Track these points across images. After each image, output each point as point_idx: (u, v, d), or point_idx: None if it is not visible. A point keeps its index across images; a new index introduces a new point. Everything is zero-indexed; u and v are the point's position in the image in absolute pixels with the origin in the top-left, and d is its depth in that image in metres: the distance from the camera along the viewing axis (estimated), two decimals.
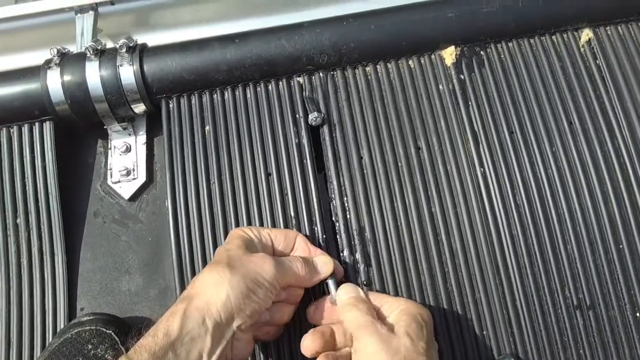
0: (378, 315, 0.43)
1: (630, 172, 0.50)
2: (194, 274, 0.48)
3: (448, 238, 0.49)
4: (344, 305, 0.43)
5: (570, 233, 0.48)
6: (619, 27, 0.55)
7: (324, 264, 0.45)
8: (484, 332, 0.47)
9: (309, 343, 0.42)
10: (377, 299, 0.44)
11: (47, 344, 0.48)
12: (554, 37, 0.55)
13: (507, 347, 0.46)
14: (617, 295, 0.47)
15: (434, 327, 0.46)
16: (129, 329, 0.48)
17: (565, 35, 0.55)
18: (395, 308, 0.43)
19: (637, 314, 0.47)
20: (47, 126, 0.54)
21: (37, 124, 0.54)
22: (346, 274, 0.48)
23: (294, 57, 0.53)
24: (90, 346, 0.45)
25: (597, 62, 0.54)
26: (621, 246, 0.48)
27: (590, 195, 0.49)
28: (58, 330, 0.49)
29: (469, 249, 0.48)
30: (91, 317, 0.47)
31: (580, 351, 0.46)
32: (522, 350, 0.46)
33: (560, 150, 0.51)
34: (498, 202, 0.49)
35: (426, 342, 0.40)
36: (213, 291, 0.39)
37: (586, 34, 0.55)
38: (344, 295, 0.44)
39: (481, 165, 0.51)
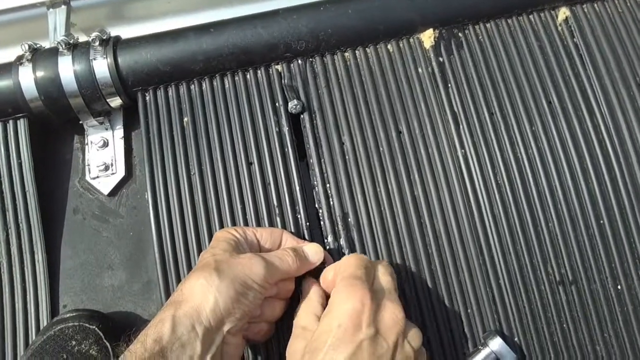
0: None
1: (610, 148, 0.50)
2: (177, 267, 0.48)
3: (431, 220, 0.49)
4: (351, 254, 0.44)
5: (552, 210, 0.49)
6: (596, 5, 0.55)
7: (315, 253, 0.45)
8: (469, 311, 0.47)
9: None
10: None
11: (30, 342, 0.47)
12: (531, 16, 0.55)
13: (492, 325, 0.47)
14: (599, 269, 0.47)
15: (420, 309, 0.47)
16: (113, 324, 0.47)
17: (542, 15, 0.55)
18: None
19: (619, 287, 0.47)
20: (22, 123, 0.53)
21: (11, 121, 0.53)
22: None
23: (271, 45, 0.53)
24: (74, 342, 0.44)
25: (575, 40, 0.54)
26: (602, 221, 0.48)
27: (570, 173, 0.49)
28: (41, 328, 0.48)
29: (452, 230, 0.48)
30: (74, 314, 0.46)
31: (564, 325, 0.47)
32: (506, 327, 0.47)
33: (540, 130, 0.51)
34: (480, 183, 0.49)
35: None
36: (201, 297, 0.39)
37: (563, 12, 0.55)
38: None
39: (462, 147, 0.51)
